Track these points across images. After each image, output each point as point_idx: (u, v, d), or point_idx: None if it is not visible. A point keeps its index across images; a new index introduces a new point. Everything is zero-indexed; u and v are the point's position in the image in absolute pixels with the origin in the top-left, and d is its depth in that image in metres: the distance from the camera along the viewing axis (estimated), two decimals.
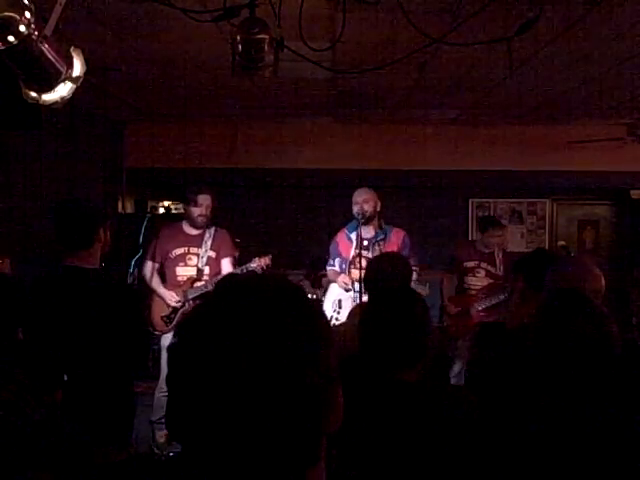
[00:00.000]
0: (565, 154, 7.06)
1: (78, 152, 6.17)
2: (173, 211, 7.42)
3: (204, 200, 4.65)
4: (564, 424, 1.62)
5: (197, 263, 4.69)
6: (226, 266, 4.79)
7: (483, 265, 5.52)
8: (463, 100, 5.70)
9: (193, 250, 4.70)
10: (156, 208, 7.55)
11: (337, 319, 4.61)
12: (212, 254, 4.75)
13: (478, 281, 5.52)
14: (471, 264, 5.54)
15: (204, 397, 0.79)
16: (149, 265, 4.76)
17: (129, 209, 7.32)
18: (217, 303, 0.85)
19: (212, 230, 4.79)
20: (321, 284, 6.41)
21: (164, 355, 4.58)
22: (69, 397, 2.37)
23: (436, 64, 4.34)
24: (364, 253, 4.56)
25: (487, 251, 5.53)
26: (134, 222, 5.80)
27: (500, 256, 5.54)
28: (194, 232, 4.73)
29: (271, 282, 0.89)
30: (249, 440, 0.78)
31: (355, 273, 4.59)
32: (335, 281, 4.83)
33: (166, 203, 7.57)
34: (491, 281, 5.45)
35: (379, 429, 1.83)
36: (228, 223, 7.37)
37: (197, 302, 4.43)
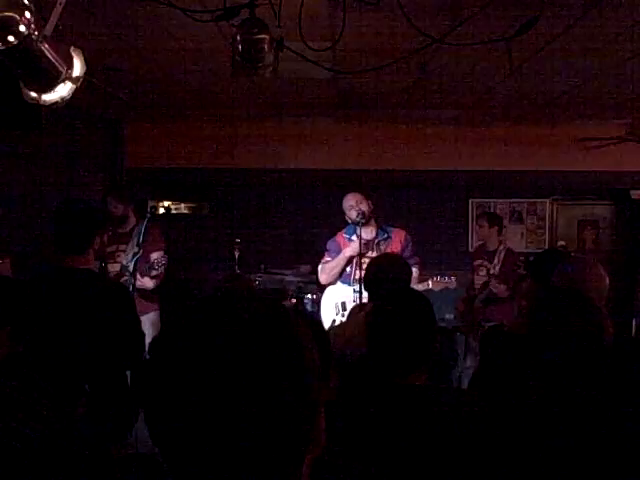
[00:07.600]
0: (565, 154, 7.06)
1: (78, 152, 6.17)
2: (173, 211, 7.41)
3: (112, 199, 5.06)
4: (563, 420, 1.64)
5: (122, 260, 4.88)
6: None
7: (485, 263, 5.72)
8: (463, 100, 5.70)
9: (122, 247, 4.94)
10: (156, 208, 7.52)
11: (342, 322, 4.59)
12: (139, 250, 4.81)
13: (480, 279, 5.70)
14: (477, 262, 5.81)
15: (181, 421, 0.78)
16: None
17: None
18: (200, 329, 0.82)
19: (142, 226, 4.83)
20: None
21: None
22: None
23: (436, 64, 4.33)
24: (368, 254, 4.58)
25: (490, 249, 5.75)
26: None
27: (502, 255, 5.65)
28: (124, 230, 4.97)
29: (260, 311, 0.86)
30: (230, 463, 0.79)
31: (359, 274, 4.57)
32: (338, 266, 4.72)
33: (166, 203, 7.55)
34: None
35: (386, 432, 1.82)
36: (228, 223, 7.42)
37: None
